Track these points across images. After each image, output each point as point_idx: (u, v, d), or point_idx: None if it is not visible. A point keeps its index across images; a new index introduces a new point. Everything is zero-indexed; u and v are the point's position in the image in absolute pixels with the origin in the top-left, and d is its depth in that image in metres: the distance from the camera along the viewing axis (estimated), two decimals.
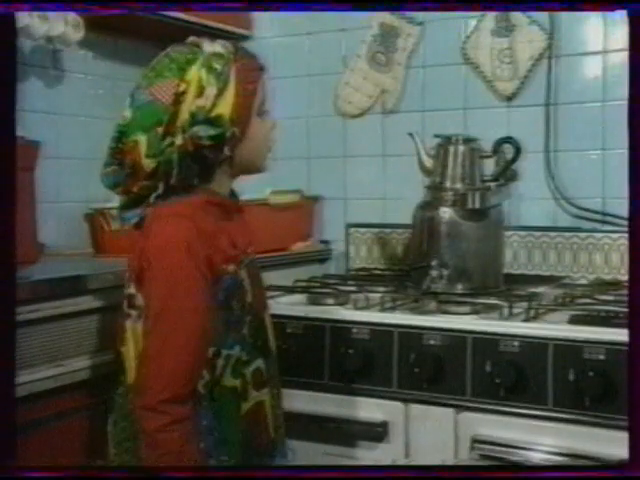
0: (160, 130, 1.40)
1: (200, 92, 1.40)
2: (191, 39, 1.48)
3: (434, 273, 1.95)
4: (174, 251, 1.37)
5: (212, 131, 1.39)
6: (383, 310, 1.89)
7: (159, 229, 1.40)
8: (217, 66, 1.41)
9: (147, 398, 1.35)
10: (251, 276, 1.50)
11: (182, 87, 1.40)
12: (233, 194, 1.55)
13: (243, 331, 1.47)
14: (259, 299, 1.52)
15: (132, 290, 1.43)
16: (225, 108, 1.40)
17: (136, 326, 1.43)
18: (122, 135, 1.44)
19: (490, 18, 2.30)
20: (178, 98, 1.39)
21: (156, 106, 1.40)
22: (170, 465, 1.33)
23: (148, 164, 1.41)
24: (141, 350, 1.40)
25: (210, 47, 1.44)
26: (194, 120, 1.39)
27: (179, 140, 1.40)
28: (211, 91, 1.40)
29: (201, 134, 1.39)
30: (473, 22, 2.33)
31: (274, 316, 1.85)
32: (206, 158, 1.42)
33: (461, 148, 2.05)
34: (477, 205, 2.03)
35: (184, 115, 1.39)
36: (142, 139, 1.41)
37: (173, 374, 1.37)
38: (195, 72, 1.40)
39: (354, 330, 1.84)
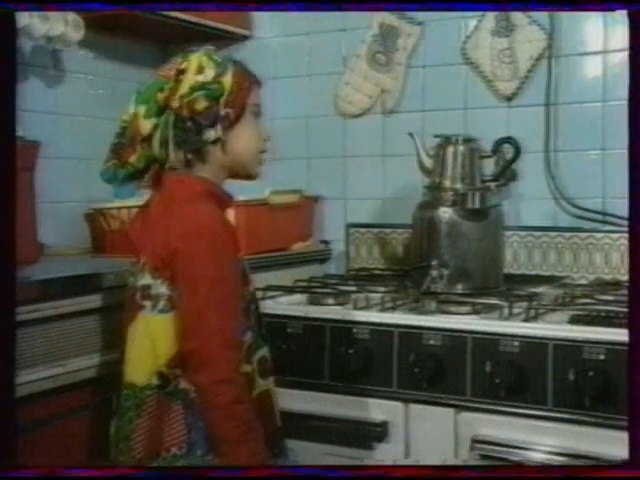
0: (160, 97, 1.47)
1: (200, 71, 1.48)
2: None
3: (434, 273, 1.95)
4: (212, 224, 1.43)
5: (208, 92, 1.46)
6: (383, 310, 1.88)
7: (186, 209, 1.45)
8: (216, 58, 1.51)
9: (220, 370, 1.38)
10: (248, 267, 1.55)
11: (184, 65, 1.49)
12: (226, 193, 1.57)
13: (251, 318, 1.51)
14: (254, 291, 1.57)
15: (147, 280, 1.45)
16: (223, 85, 1.48)
17: (151, 316, 1.44)
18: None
19: (490, 18, 2.30)
20: (179, 74, 1.48)
21: (159, 80, 1.49)
22: (246, 436, 1.38)
23: (145, 125, 1.48)
24: (193, 327, 1.40)
25: (210, 48, 1.53)
26: (193, 91, 1.47)
27: (176, 103, 1.46)
28: (209, 73, 1.48)
29: (196, 97, 1.46)
30: (473, 22, 2.32)
31: (274, 316, 1.86)
32: (200, 128, 1.46)
33: (461, 148, 2.05)
34: (477, 205, 2.03)
35: (184, 88, 1.47)
36: (142, 108, 1.48)
37: (236, 342, 1.43)
38: (197, 57, 1.50)
39: (354, 330, 1.84)
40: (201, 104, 1.45)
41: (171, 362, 1.43)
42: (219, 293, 1.40)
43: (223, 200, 1.54)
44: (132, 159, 1.50)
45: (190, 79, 1.47)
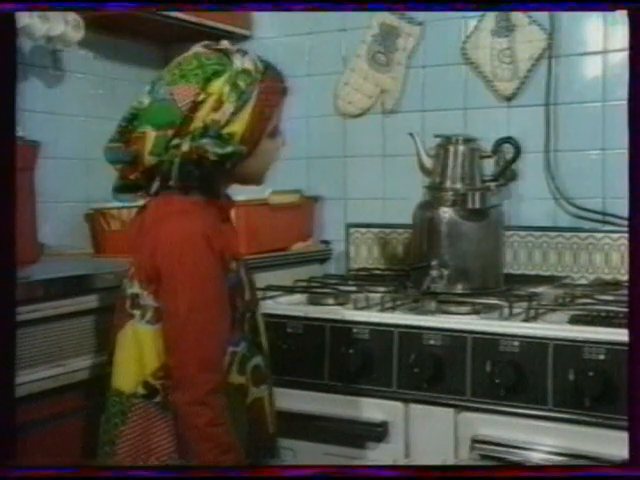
0: (170, 132, 1.41)
1: (218, 106, 1.40)
2: (224, 45, 1.47)
3: (434, 273, 1.94)
4: (196, 244, 1.39)
5: (219, 150, 1.40)
6: (383, 310, 1.88)
7: (173, 226, 1.41)
8: (242, 84, 1.42)
9: (194, 392, 1.36)
10: (247, 275, 1.52)
11: (202, 97, 1.40)
12: (227, 197, 1.55)
13: (245, 328, 1.49)
14: (253, 298, 1.55)
15: (136, 289, 1.43)
16: (238, 127, 1.41)
17: (139, 326, 1.43)
18: (134, 118, 1.45)
19: (490, 18, 2.30)
20: (196, 106, 1.40)
21: (173, 108, 1.41)
22: (220, 459, 1.36)
23: (149, 160, 1.43)
24: (172, 346, 1.39)
25: (240, 62, 1.43)
26: (206, 131, 1.40)
27: (185, 146, 1.40)
28: (228, 108, 1.40)
29: (208, 148, 1.40)
30: (473, 22, 2.32)
31: (274, 316, 1.86)
32: (207, 169, 1.43)
33: (461, 148, 2.05)
34: (477, 205, 2.03)
35: (197, 123, 1.40)
36: (151, 135, 1.42)
37: (215, 364, 1.40)
38: (219, 86, 1.41)
39: (354, 330, 1.84)
40: (211, 155, 1.40)
41: (157, 373, 1.41)
42: (199, 316, 1.38)
43: (222, 207, 1.51)
44: (132, 177, 1.47)
45: (205, 115, 1.39)
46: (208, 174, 1.44)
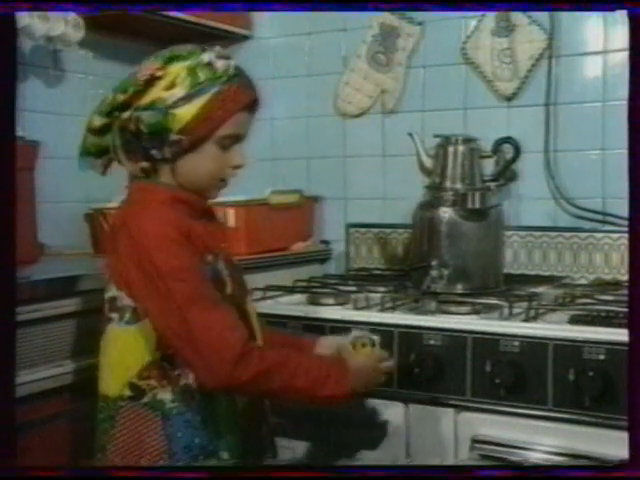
0: (121, 97, 1.42)
1: (170, 87, 1.40)
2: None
3: (434, 273, 1.95)
4: (170, 236, 1.37)
5: (153, 119, 1.39)
6: (383, 310, 1.88)
7: (140, 224, 1.39)
8: (200, 75, 1.40)
9: (234, 350, 1.34)
10: (229, 269, 1.49)
11: (160, 73, 1.40)
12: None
13: None
14: (239, 291, 1.51)
15: (113, 292, 1.43)
16: (183, 114, 1.39)
17: (118, 328, 1.43)
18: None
19: (490, 18, 2.30)
20: (152, 80, 1.40)
21: (132, 78, 1.42)
22: (308, 365, 1.44)
23: (94, 119, 1.45)
24: (182, 334, 1.36)
25: (208, 57, 1.42)
26: (151, 107, 1.40)
27: (127, 114, 1.41)
28: (179, 91, 1.39)
29: (143, 118, 1.40)
30: (473, 22, 2.32)
31: (274, 316, 1.85)
32: (145, 148, 1.42)
33: (461, 148, 2.05)
34: (477, 205, 2.03)
35: (146, 99, 1.40)
36: (109, 97, 1.44)
37: (236, 324, 1.39)
38: (178, 68, 1.41)
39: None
40: (145, 128, 1.39)
41: (143, 373, 1.41)
42: (193, 293, 1.36)
43: (193, 205, 1.47)
44: (88, 142, 1.48)
45: (156, 92, 1.39)
46: (149, 157, 1.42)
